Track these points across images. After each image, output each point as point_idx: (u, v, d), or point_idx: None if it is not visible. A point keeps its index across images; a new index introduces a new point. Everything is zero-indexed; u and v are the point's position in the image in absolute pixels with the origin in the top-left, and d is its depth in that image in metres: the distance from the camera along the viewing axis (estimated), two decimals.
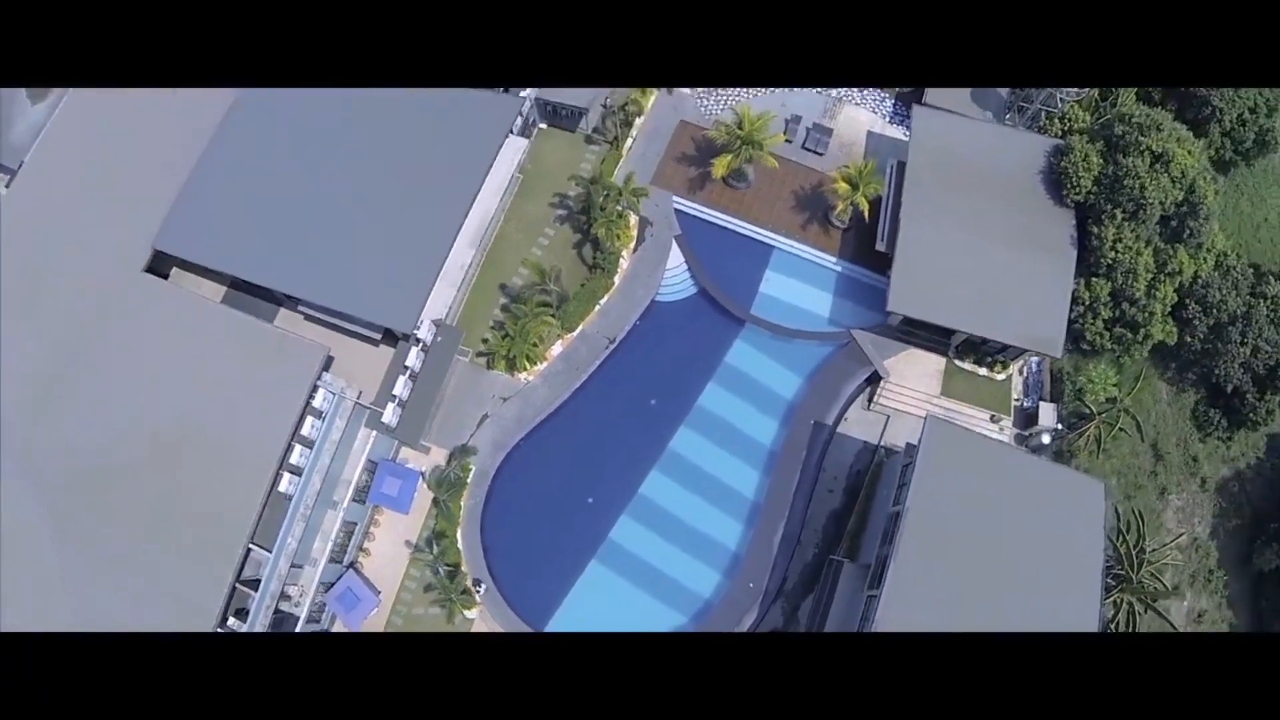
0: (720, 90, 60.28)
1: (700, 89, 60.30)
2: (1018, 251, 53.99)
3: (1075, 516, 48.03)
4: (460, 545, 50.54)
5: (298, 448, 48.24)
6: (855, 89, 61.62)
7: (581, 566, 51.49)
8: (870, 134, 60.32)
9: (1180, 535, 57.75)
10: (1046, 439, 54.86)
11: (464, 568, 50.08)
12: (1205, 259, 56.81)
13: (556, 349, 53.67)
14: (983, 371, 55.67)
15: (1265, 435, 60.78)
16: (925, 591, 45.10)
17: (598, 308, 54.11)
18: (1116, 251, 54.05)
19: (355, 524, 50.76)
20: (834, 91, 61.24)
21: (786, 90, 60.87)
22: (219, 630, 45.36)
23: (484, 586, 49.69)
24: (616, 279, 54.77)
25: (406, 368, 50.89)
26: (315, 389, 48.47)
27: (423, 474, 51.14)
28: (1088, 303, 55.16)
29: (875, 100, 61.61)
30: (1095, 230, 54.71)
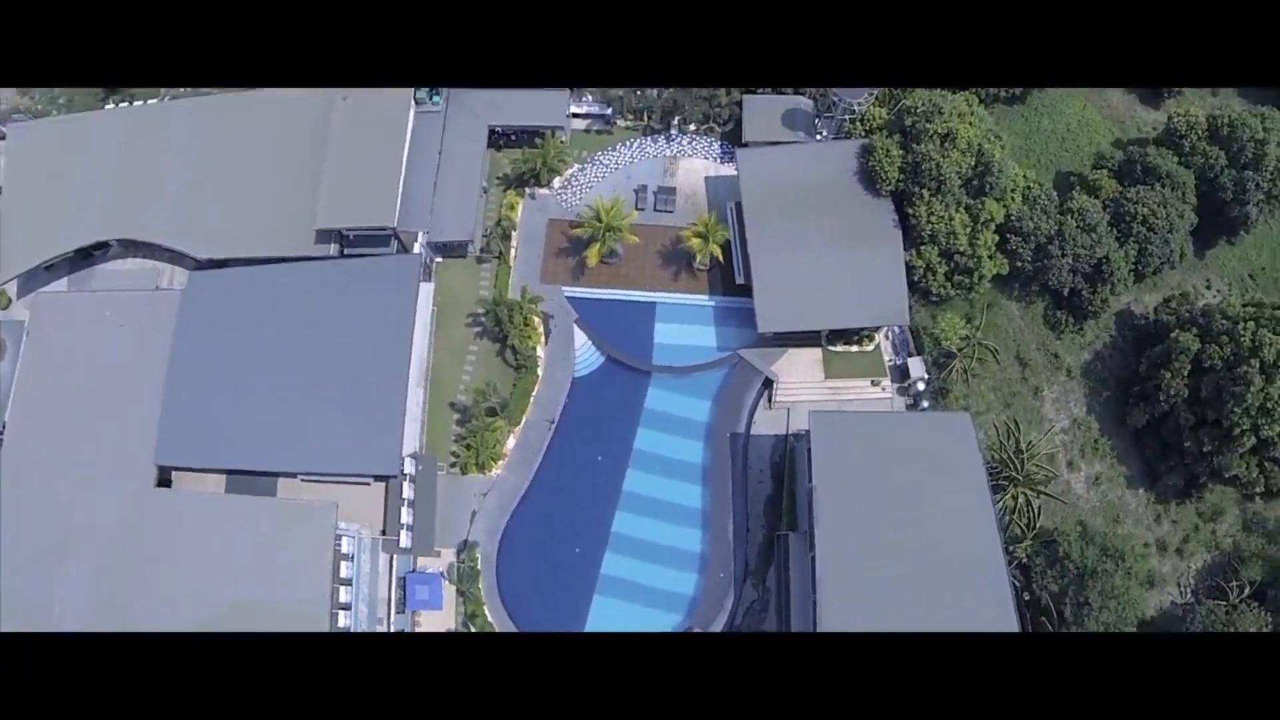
0: (573, 182, 74.78)
1: (557, 187, 74.75)
2: (852, 247, 68.82)
3: (953, 448, 63.18)
4: (491, 619, 65.83)
5: (340, 588, 63.43)
6: (689, 141, 76.18)
7: (588, 603, 66.57)
8: (708, 179, 74.77)
9: (1056, 424, 72.83)
10: (921, 385, 69.90)
11: None
12: (1012, 198, 71.09)
13: (511, 442, 68.39)
14: (854, 349, 70.85)
15: (1112, 316, 75.93)
16: (848, 545, 60.32)
17: (532, 399, 68.92)
18: (932, 222, 68.44)
19: (402, 630, 66.14)
20: (668, 150, 75.46)
21: (628, 161, 75.48)
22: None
23: None
24: (539, 371, 69.55)
25: (404, 499, 65.70)
26: (339, 539, 63.56)
27: (443, 574, 66.15)
28: (924, 267, 69.71)
29: (705, 147, 75.97)
30: (911, 210, 69.07)
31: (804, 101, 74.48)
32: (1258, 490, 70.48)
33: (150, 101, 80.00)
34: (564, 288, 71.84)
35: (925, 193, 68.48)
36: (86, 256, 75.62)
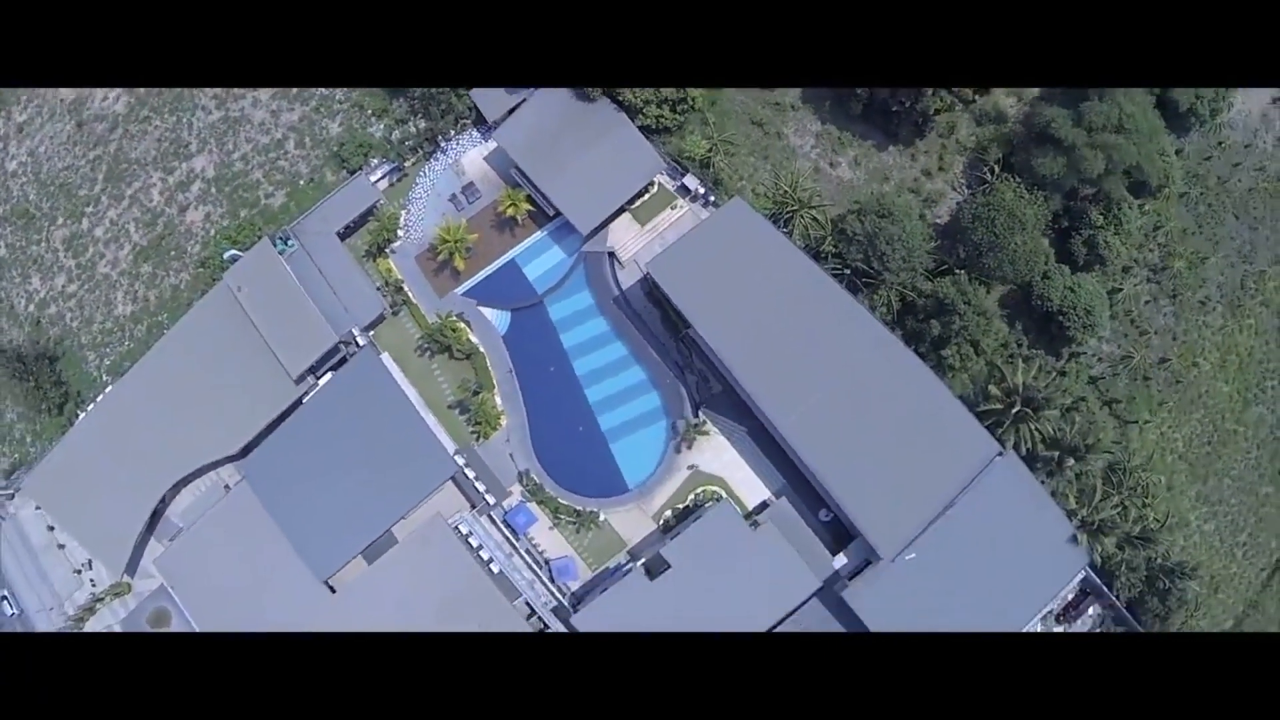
0: (409, 224, 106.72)
1: (403, 236, 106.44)
2: (602, 142, 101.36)
3: (743, 223, 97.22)
4: (566, 502, 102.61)
5: (485, 556, 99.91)
6: (457, 144, 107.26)
7: (611, 452, 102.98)
8: (486, 159, 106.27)
9: (805, 145, 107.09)
10: (702, 190, 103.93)
11: (587, 508, 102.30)
12: None
13: (498, 400, 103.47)
14: (647, 197, 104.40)
15: None
16: (723, 324, 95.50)
17: (490, 368, 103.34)
18: (637, 94, 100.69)
19: (526, 545, 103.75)
20: (448, 160, 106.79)
21: (430, 186, 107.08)
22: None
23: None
24: (482, 349, 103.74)
25: (469, 478, 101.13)
26: (457, 530, 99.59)
27: (523, 500, 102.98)
28: (654, 119, 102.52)
29: (469, 141, 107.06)
30: (621, 97, 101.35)
31: None
32: (967, 100, 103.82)
33: (106, 390, 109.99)
34: (455, 291, 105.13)
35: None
36: (155, 518, 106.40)
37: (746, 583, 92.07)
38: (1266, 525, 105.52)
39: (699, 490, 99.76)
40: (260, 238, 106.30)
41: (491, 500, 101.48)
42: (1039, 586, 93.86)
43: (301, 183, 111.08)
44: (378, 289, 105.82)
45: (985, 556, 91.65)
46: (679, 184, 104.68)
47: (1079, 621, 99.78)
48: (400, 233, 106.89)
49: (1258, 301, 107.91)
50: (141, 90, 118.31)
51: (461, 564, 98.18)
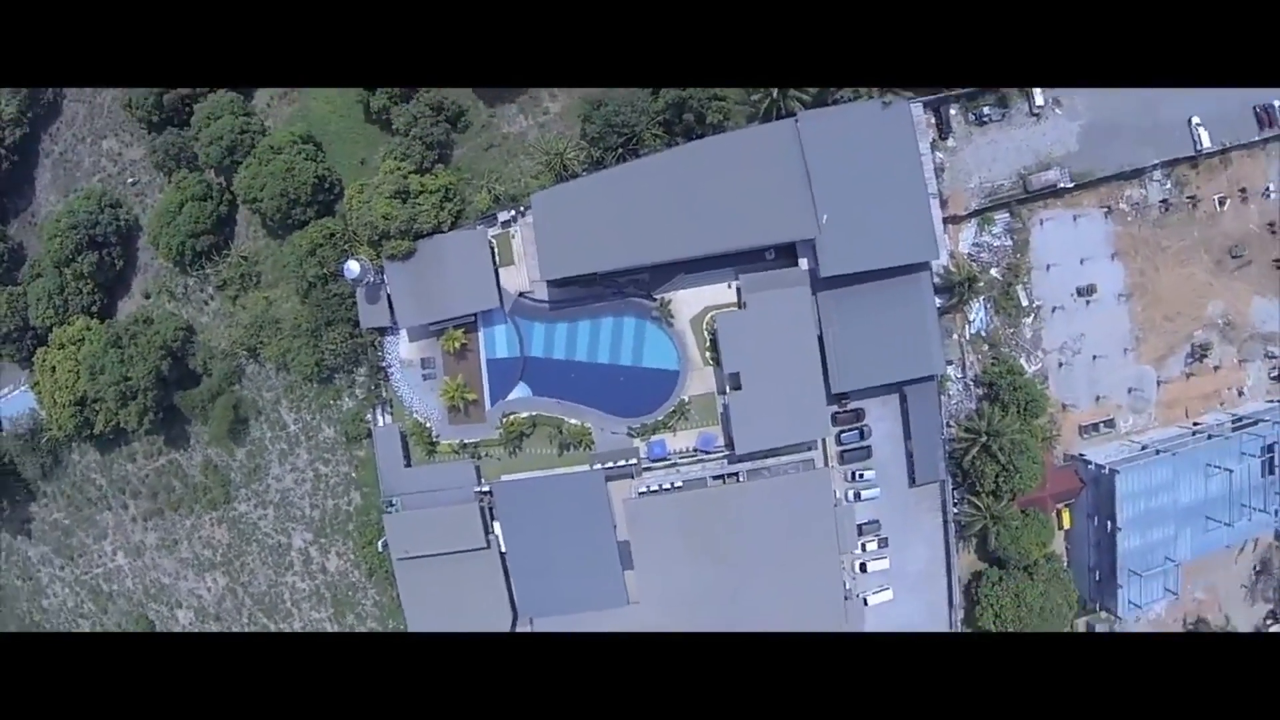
0: (424, 416, 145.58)
1: (419, 428, 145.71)
2: (445, 261, 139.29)
3: (555, 203, 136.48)
4: (662, 416, 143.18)
5: (668, 485, 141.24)
6: (389, 347, 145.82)
7: (643, 367, 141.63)
8: (412, 340, 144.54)
9: (524, 130, 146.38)
10: (515, 214, 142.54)
11: (675, 403, 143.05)
12: None
13: (572, 421, 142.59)
14: (497, 250, 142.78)
15: None
16: (610, 250, 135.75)
17: (549, 414, 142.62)
18: (428, 220, 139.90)
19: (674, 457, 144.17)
20: (398, 364, 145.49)
21: (402, 381, 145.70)
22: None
23: None
24: (535, 413, 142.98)
25: (611, 466, 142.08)
26: (640, 494, 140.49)
27: (648, 441, 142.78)
28: (450, 218, 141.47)
29: (392, 343, 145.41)
30: (420, 232, 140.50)
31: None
32: None
33: None
34: (489, 410, 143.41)
35: None
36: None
37: (777, 333, 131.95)
38: None
39: (704, 327, 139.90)
40: (379, 521, 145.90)
41: (634, 461, 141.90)
42: (908, 146, 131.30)
43: (354, 475, 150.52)
44: (457, 460, 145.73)
45: (862, 171, 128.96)
46: (501, 224, 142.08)
47: (968, 115, 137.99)
48: (428, 425, 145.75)
49: None
50: (220, 588, 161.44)
51: (665, 503, 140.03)
